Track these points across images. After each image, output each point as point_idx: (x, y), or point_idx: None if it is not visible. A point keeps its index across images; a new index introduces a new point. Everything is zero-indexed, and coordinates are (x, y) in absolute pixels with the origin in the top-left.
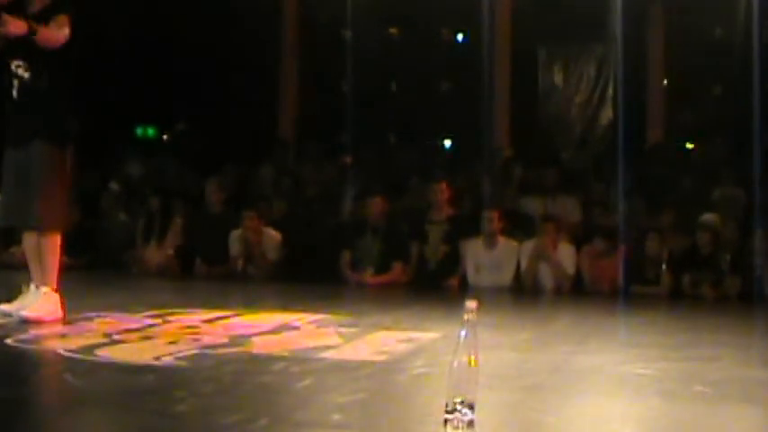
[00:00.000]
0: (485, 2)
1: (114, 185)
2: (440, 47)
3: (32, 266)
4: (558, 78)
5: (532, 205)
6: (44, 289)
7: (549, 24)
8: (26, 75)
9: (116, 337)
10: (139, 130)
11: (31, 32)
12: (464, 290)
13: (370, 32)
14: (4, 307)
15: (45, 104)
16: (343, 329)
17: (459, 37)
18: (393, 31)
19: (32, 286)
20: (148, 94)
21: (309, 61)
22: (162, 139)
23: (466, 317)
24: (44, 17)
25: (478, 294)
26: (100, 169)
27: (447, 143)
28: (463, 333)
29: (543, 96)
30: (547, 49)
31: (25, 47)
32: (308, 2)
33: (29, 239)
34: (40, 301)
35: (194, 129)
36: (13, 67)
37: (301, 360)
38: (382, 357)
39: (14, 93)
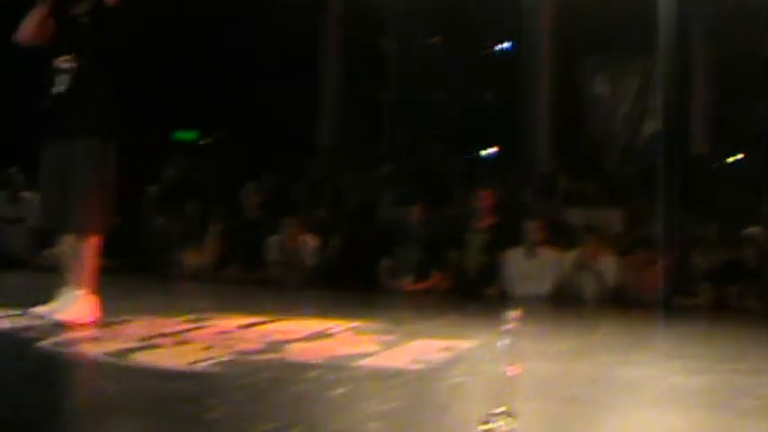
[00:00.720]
0: (529, 12)
1: (153, 189)
2: (483, 56)
3: (69, 268)
4: (601, 90)
5: (576, 216)
6: (80, 291)
7: (593, 35)
8: (74, 65)
9: (151, 341)
10: (178, 134)
11: None
12: (504, 299)
13: (412, 41)
14: (40, 309)
15: (91, 98)
16: (380, 337)
17: (503, 47)
18: (436, 39)
19: (68, 288)
20: (189, 98)
21: (351, 69)
22: (201, 143)
23: (507, 326)
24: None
25: (519, 304)
26: (139, 172)
27: (489, 152)
28: (503, 343)
29: (587, 107)
30: (591, 61)
31: (73, 40)
32: (350, 10)
33: (67, 241)
34: (75, 304)
35: (234, 134)
36: (59, 63)
37: (337, 368)
38: (419, 366)
39: (60, 88)
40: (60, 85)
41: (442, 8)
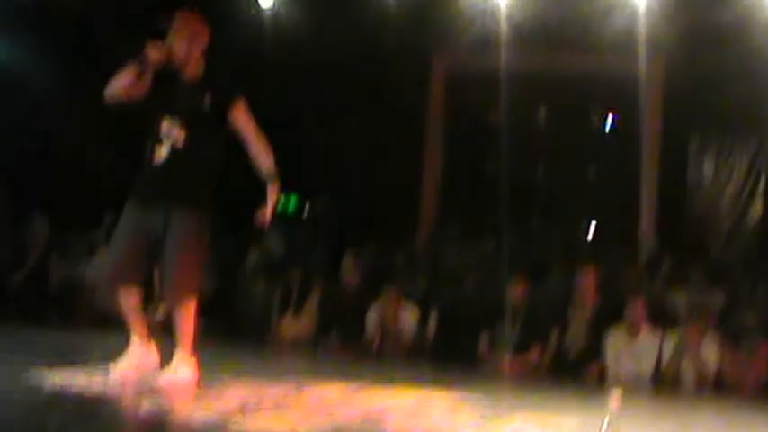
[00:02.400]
0: (636, 88)
1: (254, 255)
2: (588, 132)
3: (133, 324)
4: (708, 169)
5: (678, 298)
6: (180, 353)
7: (702, 114)
8: (181, 136)
9: (250, 406)
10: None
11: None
12: (603, 379)
13: (517, 115)
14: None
15: (197, 171)
16: (478, 411)
17: (609, 122)
18: (540, 114)
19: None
20: (290, 165)
21: (454, 141)
22: (302, 214)
23: (609, 406)
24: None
25: (618, 384)
26: (239, 238)
27: (591, 229)
28: (605, 423)
29: (693, 187)
30: (699, 139)
31: (184, 104)
32: (454, 81)
33: (128, 297)
34: (175, 366)
35: (335, 202)
36: (163, 126)
37: None
38: None
39: (161, 155)
40: (161, 150)
41: (547, 81)
